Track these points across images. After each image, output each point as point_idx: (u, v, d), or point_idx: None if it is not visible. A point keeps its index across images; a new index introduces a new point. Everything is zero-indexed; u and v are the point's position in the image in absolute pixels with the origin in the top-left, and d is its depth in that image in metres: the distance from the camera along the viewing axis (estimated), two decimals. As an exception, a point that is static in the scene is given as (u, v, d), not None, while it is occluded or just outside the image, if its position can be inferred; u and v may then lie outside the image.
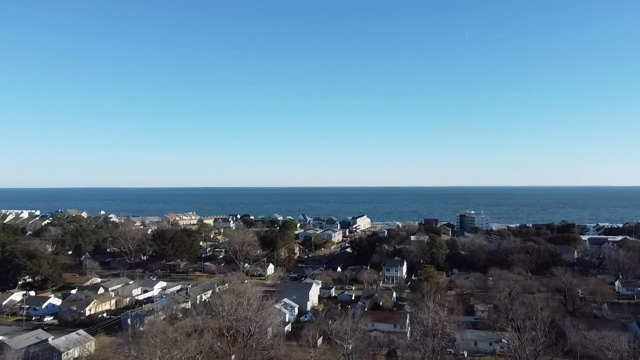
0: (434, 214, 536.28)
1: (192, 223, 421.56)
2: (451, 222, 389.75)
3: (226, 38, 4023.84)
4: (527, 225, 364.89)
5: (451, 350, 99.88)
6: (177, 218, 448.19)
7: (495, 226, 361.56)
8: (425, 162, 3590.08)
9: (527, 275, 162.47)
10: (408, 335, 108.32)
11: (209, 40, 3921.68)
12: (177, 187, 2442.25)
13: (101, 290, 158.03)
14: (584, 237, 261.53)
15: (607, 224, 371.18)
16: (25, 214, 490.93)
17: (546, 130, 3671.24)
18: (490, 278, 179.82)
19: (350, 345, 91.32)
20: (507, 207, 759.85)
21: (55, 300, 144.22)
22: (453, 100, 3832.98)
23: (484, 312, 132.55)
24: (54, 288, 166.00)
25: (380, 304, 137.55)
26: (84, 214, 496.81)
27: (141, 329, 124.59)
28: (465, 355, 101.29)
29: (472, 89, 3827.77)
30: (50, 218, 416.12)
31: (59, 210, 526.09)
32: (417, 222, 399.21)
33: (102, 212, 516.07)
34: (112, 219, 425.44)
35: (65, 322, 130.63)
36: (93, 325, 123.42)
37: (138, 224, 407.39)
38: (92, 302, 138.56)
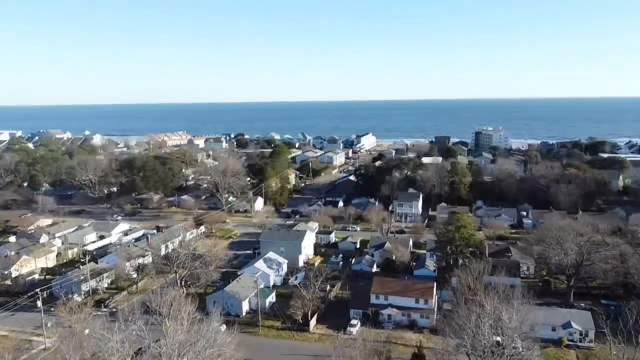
0: (442, 131, 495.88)
1: (181, 144, 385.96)
2: (464, 140, 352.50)
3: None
4: (550, 142, 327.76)
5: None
6: (166, 138, 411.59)
7: (514, 144, 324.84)
8: (426, 72, 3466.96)
9: (578, 213, 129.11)
10: (435, 315, 77.05)
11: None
12: (173, 103, 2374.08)
13: (44, 238, 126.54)
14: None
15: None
16: (5, 135, 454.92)
17: (555, 35, 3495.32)
18: (524, 213, 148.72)
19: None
20: (519, 121, 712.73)
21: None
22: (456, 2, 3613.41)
23: (529, 270, 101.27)
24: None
25: (394, 258, 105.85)
26: (67, 135, 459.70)
27: (78, 298, 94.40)
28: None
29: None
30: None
31: (41, 131, 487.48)
32: (427, 140, 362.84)
33: (87, 132, 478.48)
34: (93, 141, 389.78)
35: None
36: (15, 294, 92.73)
37: (121, 145, 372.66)
38: (22, 259, 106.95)
